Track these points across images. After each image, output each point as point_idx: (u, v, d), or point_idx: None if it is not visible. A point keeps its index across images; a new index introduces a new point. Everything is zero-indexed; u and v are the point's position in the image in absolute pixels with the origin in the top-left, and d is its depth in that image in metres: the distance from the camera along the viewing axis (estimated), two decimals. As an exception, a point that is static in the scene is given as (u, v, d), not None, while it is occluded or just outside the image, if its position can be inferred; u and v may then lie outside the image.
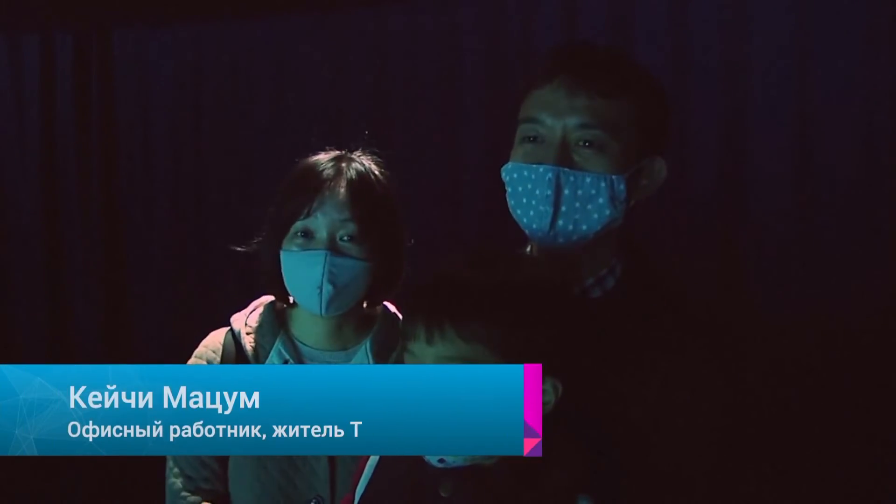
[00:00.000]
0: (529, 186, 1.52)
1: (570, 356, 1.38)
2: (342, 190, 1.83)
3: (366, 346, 1.90)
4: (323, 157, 1.89)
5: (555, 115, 1.50)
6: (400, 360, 1.42)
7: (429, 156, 3.42)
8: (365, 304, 1.95)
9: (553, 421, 1.37)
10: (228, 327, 1.94)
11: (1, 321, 3.94)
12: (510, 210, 1.57)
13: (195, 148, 3.74)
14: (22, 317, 3.93)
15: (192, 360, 1.93)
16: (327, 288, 1.80)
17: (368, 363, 1.87)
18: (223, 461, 1.86)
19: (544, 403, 1.35)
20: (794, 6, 2.92)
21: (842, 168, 2.87)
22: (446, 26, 3.39)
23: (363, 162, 1.91)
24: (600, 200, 1.50)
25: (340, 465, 1.80)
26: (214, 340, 1.94)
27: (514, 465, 1.36)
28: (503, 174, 1.58)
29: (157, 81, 3.79)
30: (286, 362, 1.87)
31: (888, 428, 2.76)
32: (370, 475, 1.48)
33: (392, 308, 1.97)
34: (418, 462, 1.37)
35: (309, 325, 1.91)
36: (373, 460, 1.50)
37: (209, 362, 1.90)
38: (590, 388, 1.43)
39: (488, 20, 3.34)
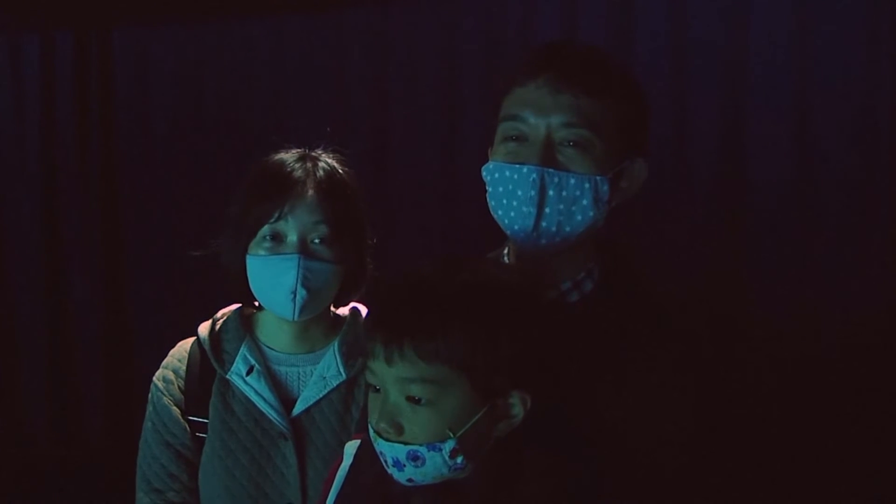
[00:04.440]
0: (511, 187, 1.48)
1: (540, 367, 1.34)
2: (312, 192, 1.77)
3: (333, 347, 1.85)
4: (287, 157, 1.83)
5: (539, 113, 1.47)
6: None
7: (428, 156, 3.42)
8: (332, 306, 1.90)
9: (526, 431, 1.34)
10: (196, 336, 1.90)
11: (1, 321, 3.94)
12: (491, 210, 1.53)
13: (195, 147, 3.74)
14: (22, 317, 3.93)
15: (159, 371, 1.89)
16: (301, 292, 1.75)
17: (336, 365, 1.83)
18: (192, 472, 1.82)
19: (512, 417, 1.32)
20: (794, 6, 2.92)
21: (841, 167, 2.88)
22: (446, 26, 3.39)
23: (329, 161, 1.84)
24: (584, 202, 1.47)
25: (311, 470, 1.77)
26: (181, 350, 1.90)
27: (486, 478, 1.33)
28: (484, 173, 1.54)
29: (157, 81, 3.79)
30: (251, 368, 1.83)
31: (886, 429, 2.76)
32: (340, 486, 1.46)
33: (360, 308, 1.93)
34: (386, 476, 1.34)
35: (275, 328, 1.87)
36: (342, 470, 1.47)
37: (175, 372, 1.87)
38: (565, 393, 1.40)
39: (488, 20, 3.33)
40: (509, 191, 1.49)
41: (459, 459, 1.29)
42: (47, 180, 3.87)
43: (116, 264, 3.85)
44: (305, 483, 1.77)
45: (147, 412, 1.87)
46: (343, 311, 1.93)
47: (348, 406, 1.82)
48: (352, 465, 1.46)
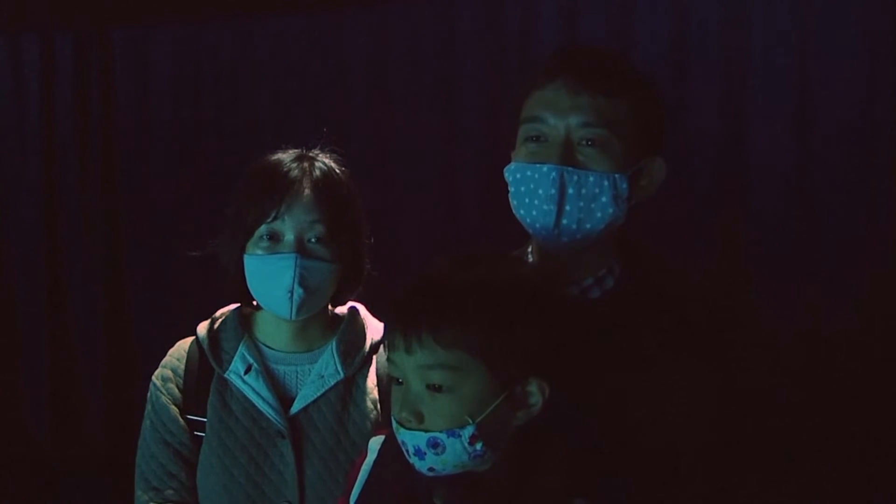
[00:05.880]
0: (533, 186, 1.52)
1: (558, 357, 1.37)
2: (308, 191, 1.77)
3: (331, 346, 1.85)
4: (284, 157, 1.83)
5: (557, 114, 1.51)
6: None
7: (428, 155, 3.42)
8: (330, 305, 1.90)
9: (546, 422, 1.37)
10: (195, 336, 1.90)
11: (1, 321, 3.94)
12: (513, 209, 1.57)
13: (195, 148, 3.74)
14: (22, 317, 3.93)
15: (158, 370, 1.89)
16: (298, 291, 1.75)
17: (334, 364, 1.83)
18: (190, 471, 1.82)
19: (531, 405, 1.35)
20: (794, 6, 2.92)
21: (841, 167, 2.88)
22: (446, 26, 3.39)
23: (325, 161, 1.84)
24: (604, 199, 1.50)
25: (309, 469, 1.77)
26: (179, 349, 1.90)
27: (507, 469, 1.35)
28: (506, 174, 1.57)
29: (157, 81, 3.79)
30: (249, 367, 1.83)
31: (888, 428, 2.76)
32: (364, 480, 1.48)
33: (358, 307, 1.94)
34: (410, 469, 1.36)
35: (273, 328, 1.86)
36: (367, 465, 1.49)
37: (173, 371, 1.87)
38: (586, 389, 1.42)
39: (488, 20, 3.34)
40: (530, 190, 1.52)
41: (479, 446, 1.32)
42: (47, 180, 3.87)
43: (116, 265, 3.86)
44: (303, 482, 1.77)
45: (146, 411, 1.88)
46: (341, 310, 1.93)
47: (346, 404, 1.82)
48: (376, 460, 1.48)
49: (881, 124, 2.84)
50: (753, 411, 2.73)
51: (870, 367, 2.78)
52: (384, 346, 1.42)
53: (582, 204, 1.50)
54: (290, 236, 1.77)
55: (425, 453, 1.33)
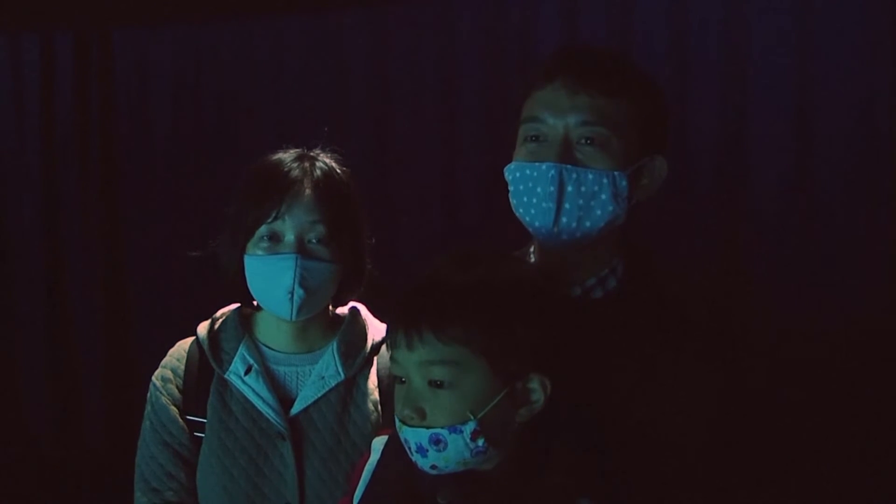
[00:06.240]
0: (532, 184, 1.52)
1: (558, 354, 1.37)
2: (309, 191, 1.77)
3: (332, 347, 1.85)
4: (285, 157, 1.82)
5: (556, 113, 1.51)
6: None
7: (428, 155, 3.42)
8: (331, 306, 1.90)
9: (550, 422, 1.37)
10: (195, 336, 1.89)
11: (1, 321, 3.94)
12: (513, 209, 1.57)
13: (195, 147, 3.74)
14: (22, 317, 3.93)
15: (158, 370, 1.89)
16: (299, 292, 1.74)
17: (335, 365, 1.83)
18: (190, 472, 1.82)
19: (533, 402, 1.36)
20: (794, 6, 2.92)
21: (841, 166, 2.88)
22: (446, 26, 3.39)
23: (326, 161, 1.84)
24: (603, 197, 1.50)
25: (309, 470, 1.77)
26: (179, 349, 1.90)
27: (512, 469, 1.36)
28: (506, 174, 1.57)
29: (157, 81, 3.79)
30: (250, 367, 1.82)
31: (888, 428, 2.76)
32: (368, 480, 1.48)
33: (359, 307, 1.94)
34: (413, 469, 1.37)
35: (274, 328, 1.86)
36: (370, 465, 1.49)
37: (173, 371, 1.86)
38: (589, 388, 1.43)
39: (488, 20, 3.34)
40: (529, 188, 1.53)
41: (481, 442, 1.32)
42: (47, 180, 3.87)
43: (116, 264, 3.86)
44: (303, 483, 1.77)
45: (146, 411, 1.87)
46: (342, 310, 1.92)
47: (346, 406, 1.82)
48: (379, 461, 1.48)
49: (881, 124, 2.84)
50: (753, 411, 2.73)
51: (870, 367, 2.78)
52: (387, 346, 1.42)
53: (581, 202, 1.50)
54: (290, 236, 1.76)
55: (427, 450, 1.33)
